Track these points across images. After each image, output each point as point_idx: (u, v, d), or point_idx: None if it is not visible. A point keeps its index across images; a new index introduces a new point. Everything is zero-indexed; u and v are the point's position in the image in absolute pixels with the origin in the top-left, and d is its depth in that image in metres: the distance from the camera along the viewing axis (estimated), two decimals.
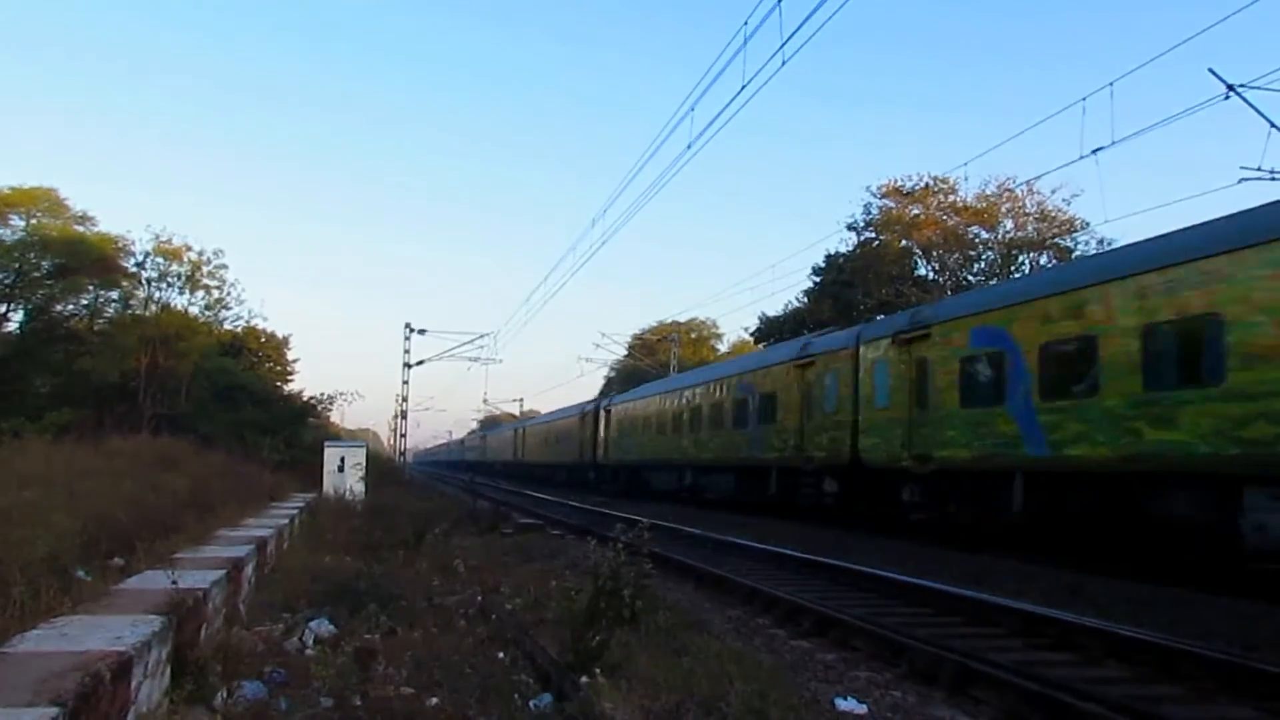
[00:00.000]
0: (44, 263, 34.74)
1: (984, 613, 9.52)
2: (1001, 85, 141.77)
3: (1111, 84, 18.43)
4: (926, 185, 45.53)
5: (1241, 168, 18.61)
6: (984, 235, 45.45)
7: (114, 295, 36.58)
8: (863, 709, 6.23)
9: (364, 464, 24.28)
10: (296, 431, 33.17)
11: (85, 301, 36.85)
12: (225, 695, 5.78)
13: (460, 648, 7.57)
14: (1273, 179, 18.55)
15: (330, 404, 40.25)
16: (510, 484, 51.94)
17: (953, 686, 6.86)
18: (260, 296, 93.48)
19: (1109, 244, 35.90)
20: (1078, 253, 40.55)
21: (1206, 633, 8.52)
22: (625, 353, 67.86)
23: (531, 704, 6.04)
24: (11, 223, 34.27)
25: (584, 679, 6.30)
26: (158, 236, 35.15)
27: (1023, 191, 43.04)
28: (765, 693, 5.91)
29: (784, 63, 13.43)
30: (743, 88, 14.67)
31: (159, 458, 17.07)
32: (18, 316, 35.83)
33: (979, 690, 6.66)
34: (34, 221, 34.70)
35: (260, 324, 43.38)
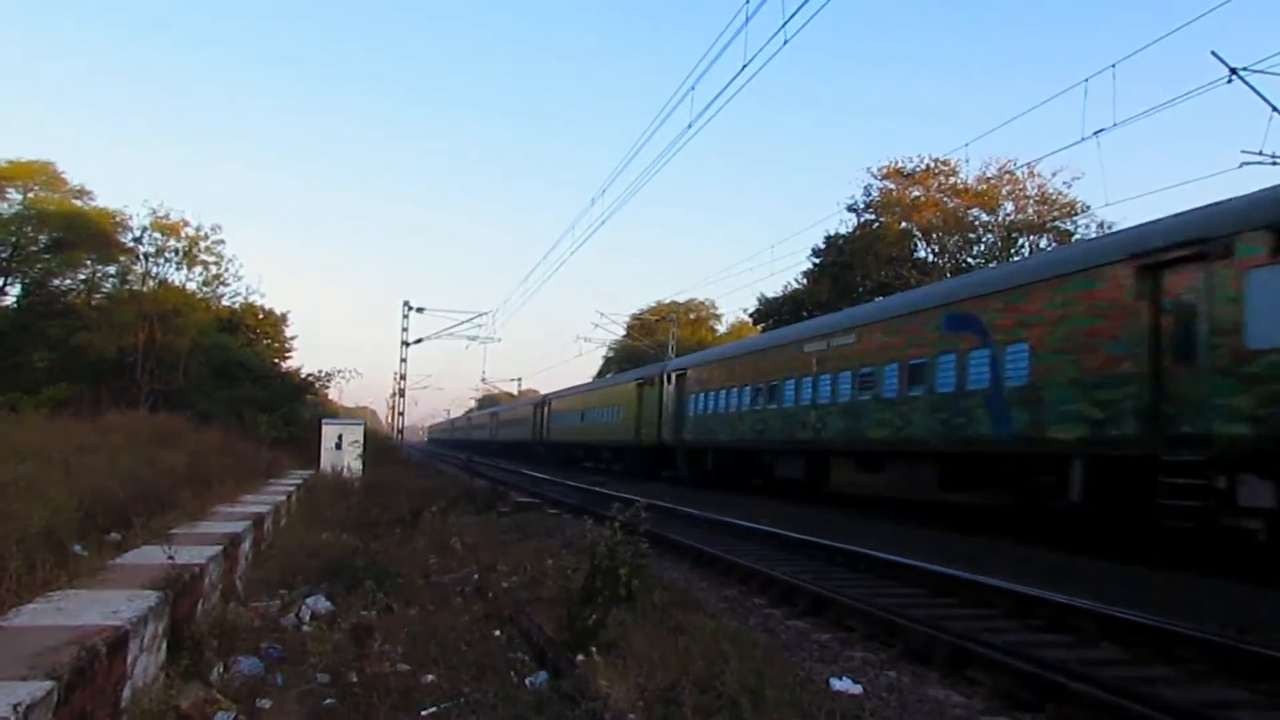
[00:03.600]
0: (41, 237, 34.71)
1: (979, 594, 9.54)
2: (1004, 66, 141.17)
3: (1114, 65, 18.26)
4: (927, 167, 45.38)
5: (1243, 151, 18.48)
6: (984, 218, 45.32)
7: (111, 270, 36.63)
8: (858, 689, 6.24)
9: (361, 441, 24.29)
10: (294, 409, 33.18)
11: (83, 276, 36.88)
12: (221, 670, 5.80)
13: (456, 625, 7.59)
14: (1274, 163, 18.48)
15: (328, 381, 40.30)
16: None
17: (947, 667, 6.88)
18: (258, 273, 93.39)
19: (1109, 227, 35.81)
20: (1078, 236, 40.45)
21: (1200, 615, 8.54)
22: (624, 333, 67.81)
23: (527, 682, 6.05)
24: (9, 196, 34.22)
25: (580, 657, 6.32)
26: (155, 211, 35.13)
27: (1023, 174, 42.94)
28: (761, 672, 5.92)
29: (786, 41, 13.26)
30: (744, 66, 14.47)
31: (156, 434, 17.08)
32: (15, 290, 35.87)
33: (974, 671, 6.68)
34: (31, 195, 34.62)
35: (258, 300, 43.36)
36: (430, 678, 6.12)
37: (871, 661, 7.21)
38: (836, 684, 6.29)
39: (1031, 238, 43.07)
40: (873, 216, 47.04)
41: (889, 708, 5.86)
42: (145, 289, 34.94)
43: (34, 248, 34.83)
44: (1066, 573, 11.13)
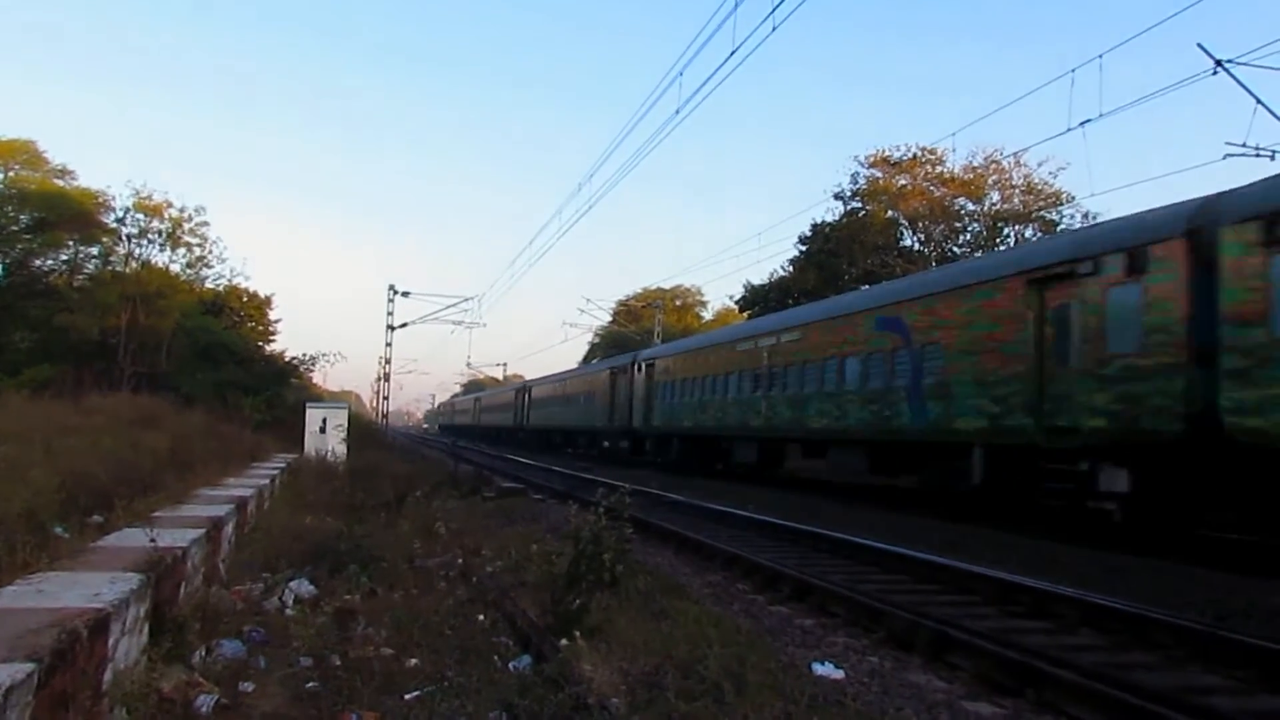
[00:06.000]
0: (22, 216, 34.34)
1: (961, 580, 9.59)
2: (992, 56, 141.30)
3: (1101, 56, 18.36)
4: (914, 156, 45.41)
5: (1227, 144, 18.60)
6: (970, 207, 45.40)
7: (94, 251, 36.31)
8: (839, 674, 6.27)
9: (346, 425, 24.22)
10: (278, 392, 33.02)
11: (65, 257, 36.53)
12: (204, 653, 5.79)
13: (440, 609, 7.60)
14: (1257, 155, 18.59)
15: (312, 365, 40.10)
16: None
17: (929, 653, 6.92)
18: (242, 255, 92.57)
19: (1094, 218, 35.99)
20: (1063, 226, 40.60)
21: (1180, 602, 8.62)
22: (610, 319, 67.73)
23: (511, 666, 6.07)
24: None
25: (563, 641, 6.32)
26: (138, 192, 34.81)
27: (1009, 164, 43.03)
28: (743, 657, 5.95)
29: (774, 28, 13.27)
30: (732, 53, 14.50)
31: (139, 416, 16.99)
32: None
33: (955, 656, 6.72)
34: (12, 174, 34.23)
35: (242, 283, 43.07)
36: (414, 661, 6.13)
37: (853, 647, 7.24)
38: (818, 669, 6.32)
39: (1017, 227, 43.18)
40: (859, 205, 47.04)
41: (870, 692, 5.90)
42: (128, 270, 34.69)
43: (15, 227, 34.46)
44: (1049, 560, 11.21)
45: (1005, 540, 13.17)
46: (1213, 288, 11.73)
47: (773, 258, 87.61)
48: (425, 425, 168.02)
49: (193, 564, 6.90)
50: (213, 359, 34.26)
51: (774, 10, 13.05)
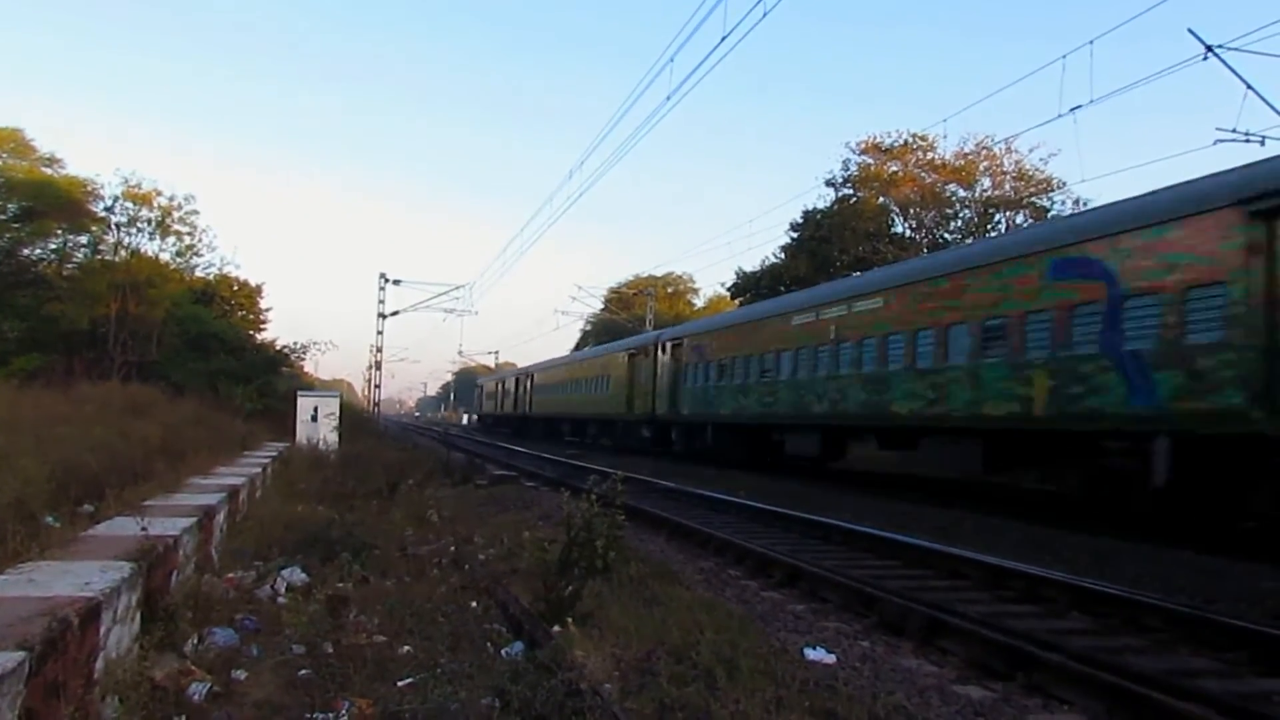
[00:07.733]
0: (10, 205, 34.01)
1: (952, 565, 9.65)
2: (983, 42, 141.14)
3: (1092, 42, 18.48)
4: (905, 142, 45.38)
5: (1217, 129, 18.67)
6: (961, 193, 45.41)
7: (83, 240, 35.94)
8: (831, 658, 6.30)
9: (337, 414, 24.15)
10: (269, 380, 32.88)
11: (54, 246, 36.15)
12: (196, 641, 5.78)
13: (433, 597, 7.60)
14: (1247, 141, 18.64)
15: (304, 353, 39.89)
16: None
17: (921, 637, 6.96)
18: (233, 244, 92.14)
19: (1084, 204, 36.05)
20: (1053, 212, 40.63)
21: (1169, 586, 8.69)
22: (602, 306, 67.66)
23: (503, 652, 6.07)
24: None
25: (556, 628, 6.33)
26: (127, 181, 34.56)
27: (1001, 150, 43.03)
28: (736, 642, 5.97)
29: (765, 14, 13.35)
30: (723, 39, 14.59)
31: (129, 405, 16.93)
32: None
33: (946, 641, 6.76)
34: None
35: (233, 271, 42.82)
36: (406, 648, 6.13)
37: (845, 632, 7.28)
38: (810, 654, 6.34)
39: (1008, 214, 43.20)
40: (851, 191, 47.00)
41: (862, 677, 5.92)
42: (117, 259, 34.43)
43: (3, 216, 34.18)
44: (1039, 545, 11.28)
45: (996, 525, 13.24)
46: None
47: (765, 245, 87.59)
48: (417, 414, 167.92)
49: (185, 552, 6.88)
50: (203, 348, 34.04)
51: None
